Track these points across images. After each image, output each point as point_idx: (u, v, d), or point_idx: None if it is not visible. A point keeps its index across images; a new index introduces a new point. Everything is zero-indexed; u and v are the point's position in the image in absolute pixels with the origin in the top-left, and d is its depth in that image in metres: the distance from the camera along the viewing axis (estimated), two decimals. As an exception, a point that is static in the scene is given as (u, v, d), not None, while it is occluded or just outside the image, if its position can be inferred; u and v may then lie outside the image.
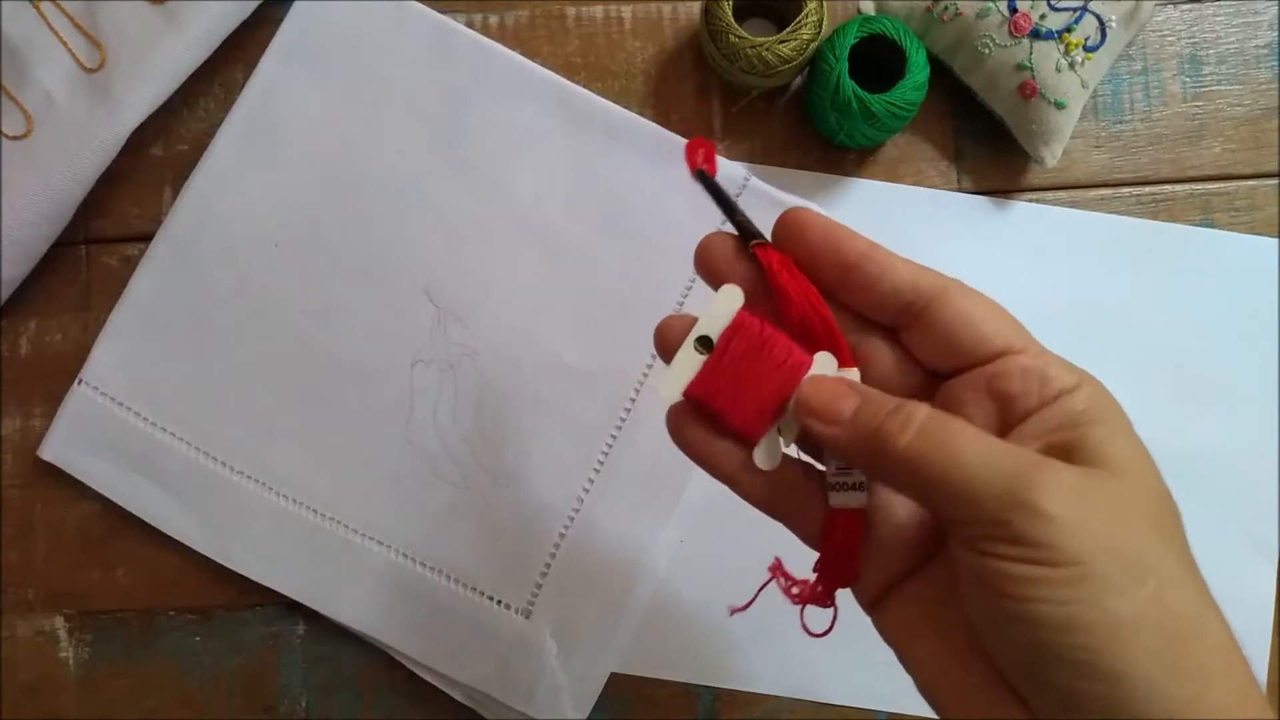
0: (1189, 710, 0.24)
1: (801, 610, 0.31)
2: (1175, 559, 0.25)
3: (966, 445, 0.25)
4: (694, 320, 0.30)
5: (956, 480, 0.25)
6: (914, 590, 0.29)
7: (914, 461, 0.25)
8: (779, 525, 0.31)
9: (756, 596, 0.33)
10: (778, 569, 0.31)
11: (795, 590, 0.31)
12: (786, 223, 0.29)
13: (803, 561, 0.31)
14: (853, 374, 0.29)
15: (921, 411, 0.26)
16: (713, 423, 0.30)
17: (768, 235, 0.30)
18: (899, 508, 0.30)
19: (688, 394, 0.30)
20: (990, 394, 0.27)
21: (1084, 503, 0.24)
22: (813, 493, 0.30)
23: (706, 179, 0.32)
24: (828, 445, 0.28)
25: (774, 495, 0.30)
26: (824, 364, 0.29)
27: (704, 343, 0.30)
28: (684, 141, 0.49)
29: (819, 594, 0.30)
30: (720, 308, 0.30)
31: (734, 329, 0.29)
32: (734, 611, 0.34)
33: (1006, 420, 0.27)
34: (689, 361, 0.30)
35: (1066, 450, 0.26)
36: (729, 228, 0.31)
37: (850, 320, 0.30)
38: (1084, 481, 0.24)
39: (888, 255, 0.29)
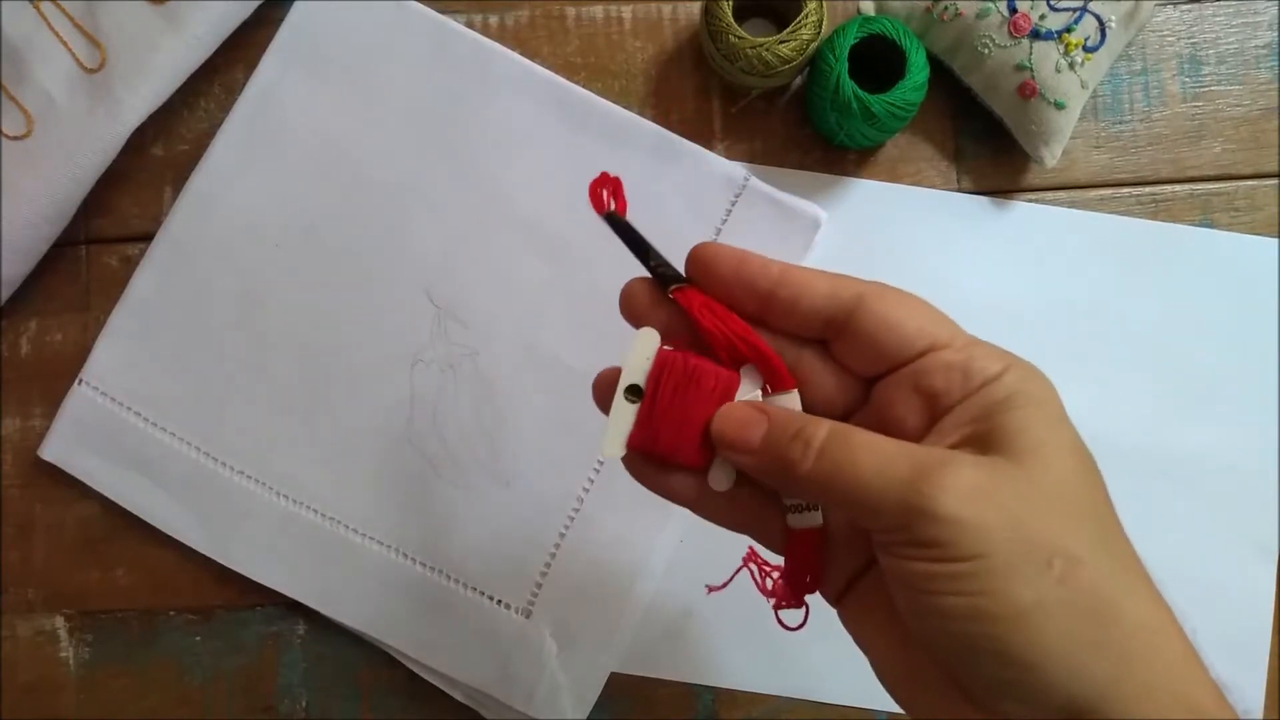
0: (1113, 689, 0.24)
1: (775, 606, 0.32)
2: (1091, 539, 0.25)
3: (862, 461, 0.26)
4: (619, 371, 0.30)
5: (857, 495, 0.26)
6: (868, 585, 0.30)
7: (819, 483, 0.27)
8: (744, 568, 0.32)
9: (733, 578, 0.34)
10: (751, 556, 0.32)
11: (769, 582, 0.32)
12: (695, 260, 0.30)
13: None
14: (792, 396, 0.29)
15: (821, 432, 0.27)
16: (662, 462, 0.30)
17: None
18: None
19: (630, 446, 0.30)
20: (916, 391, 0.28)
21: (982, 496, 0.25)
22: (772, 505, 0.31)
23: (617, 221, 0.31)
24: (745, 470, 0.29)
25: (735, 514, 0.31)
26: (750, 378, 0.29)
27: (634, 390, 0.30)
28: (683, 141, 0.50)
29: (789, 598, 0.31)
30: (640, 352, 0.30)
31: (658, 369, 0.30)
32: (711, 590, 0.35)
33: (934, 415, 0.28)
34: (624, 412, 0.30)
35: (982, 439, 0.26)
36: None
37: (783, 339, 0.30)
38: (985, 474, 0.25)
39: (802, 275, 0.29)
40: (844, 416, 0.29)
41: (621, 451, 0.30)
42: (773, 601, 0.32)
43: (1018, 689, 0.25)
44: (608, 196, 0.32)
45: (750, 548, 0.32)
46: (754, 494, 0.31)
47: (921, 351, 0.28)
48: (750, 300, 0.29)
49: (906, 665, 0.28)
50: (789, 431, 0.27)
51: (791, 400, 0.29)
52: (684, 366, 0.29)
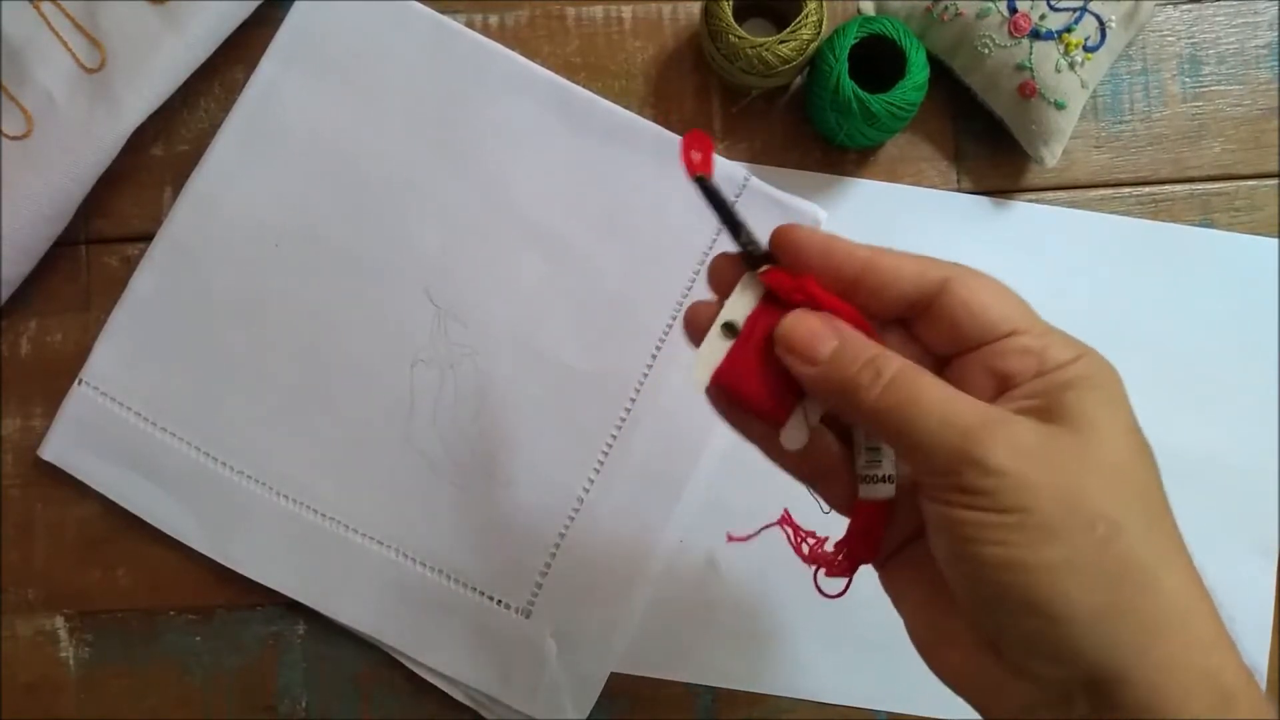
0: (1139, 658, 0.25)
1: (815, 572, 0.32)
2: (1136, 512, 0.26)
3: (929, 402, 0.26)
4: (720, 306, 0.30)
5: (918, 434, 0.26)
6: (912, 551, 0.30)
7: (880, 414, 0.27)
8: (775, 526, 0.32)
9: (760, 532, 0.34)
10: (787, 520, 0.32)
11: (805, 547, 0.32)
12: (782, 243, 0.30)
13: (810, 518, 0.31)
14: None
15: (893, 365, 0.27)
16: (742, 405, 0.30)
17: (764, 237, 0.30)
18: (907, 481, 0.31)
19: (714, 381, 0.30)
20: (991, 372, 0.28)
21: (1036, 455, 0.25)
22: (842, 461, 0.31)
23: (707, 186, 0.31)
24: (804, 382, 0.29)
25: (805, 464, 0.31)
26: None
27: (729, 329, 0.30)
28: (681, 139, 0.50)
29: (841, 566, 0.31)
30: (743, 295, 0.30)
31: (756, 315, 0.30)
32: (732, 539, 0.35)
33: (1003, 393, 0.28)
34: (716, 347, 0.30)
35: (1044, 411, 0.27)
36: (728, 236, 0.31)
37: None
38: (1042, 437, 0.26)
39: (889, 260, 0.29)
40: None
41: (706, 382, 0.30)
42: (814, 568, 0.32)
43: (1044, 644, 0.25)
44: (698, 158, 0.31)
45: (785, 510, 0.32)
46: (828, 448, 0.31)
47: (1002, 335, 0.28)
48: (836, 284, 0.29)
49: (940, 625, 0.29)
50: (860, 356, 0.28)
51: None
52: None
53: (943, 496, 0.26)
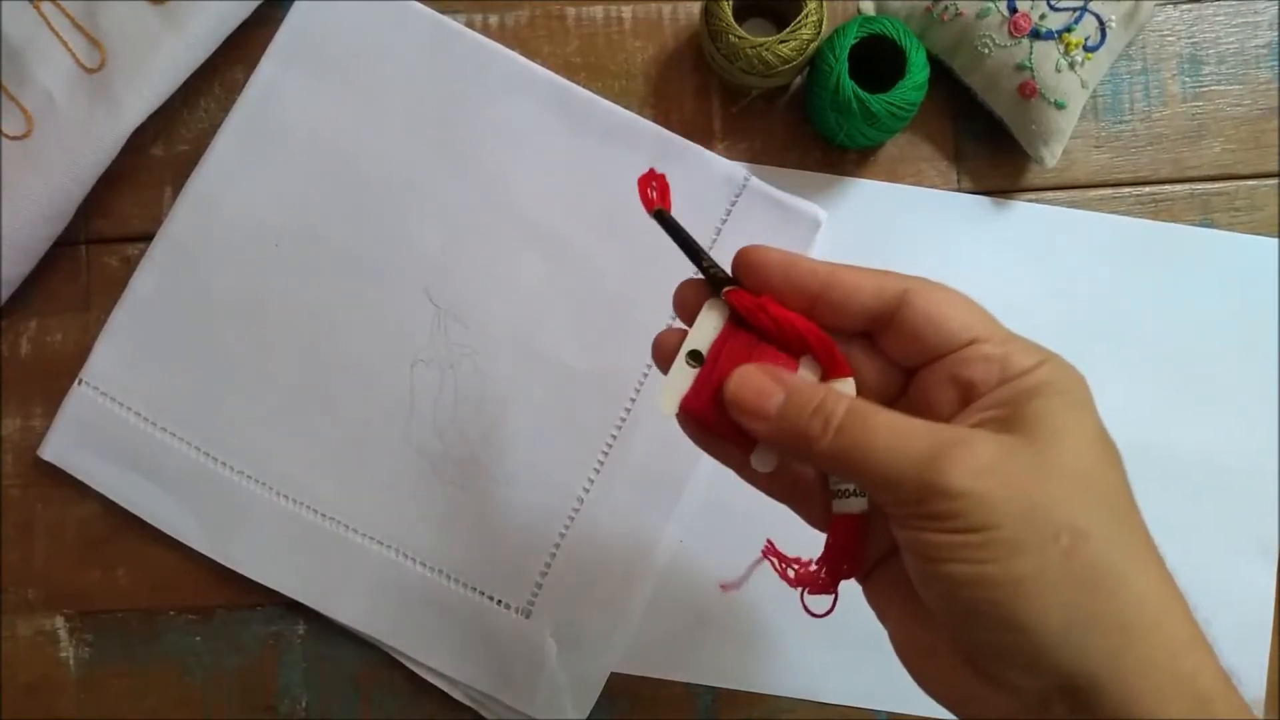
0: (1111, 663, 0.25)
1: (801, 593, 0.32)
2: (1102, 518, 0.26)
3: (882, 439, 0.27)
4: (685, 333, 0.31)
5: (875, 472, 0.27)
6: (893, 565, 0.30)
7: (837, 458, 0.28)
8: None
9: (748, 575, 0.34)
10: (770, 550, 0.32)
11: (791, 571, 0.32)
12: (743, 264, 0.31)
13: (796, 543, 0.32)
14: (848, 383, 0.30)
15: (840, 408, 0.28)
16: (711, 431, 0.31)
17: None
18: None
19: (682, 409, 0.30)
20: (954, 381, 0.29)
21: (994, 471, 0.25)
22: (815, 479, 0.31)
23: (666, 219, 0.31)
24: (758, 437, 0.30)
25: (779, 486, 0.32)
26: (809, 367, 0.30)
27: (695, 356, 0.31)
28: (683, 141, 0.50)
29: (823, 582, 0.31)
30: (708, 322, 0.31)
31: (721, 340, 0.30)
32: (725, 588, 0.35)
33: (967, 403, 0.28)
34: (681, 375, 0.31)
35: (1006, 421, 0.27)
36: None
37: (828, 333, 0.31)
38: (1002, 451, 0.26)
39: (849, 276, 0.30)
40: (886, 404, 0.30)
41: (674, 411, 0.31)
42: (800, 590, 0.32)
43: (1018, 655, 0.25)
44: (654, 194, 0.32)
45: (768, 540, 0.32)
46: (799, 469, 0.32)
47: (963, 344, 0.28)
48: (798, 301, 0.30)
49: (921, 639, 0.29)
50: (809, 405, 0.28)
51: (847, 387, 0.30)
52: (747, 342, 0.30)
53: (910, 524, 0.26)
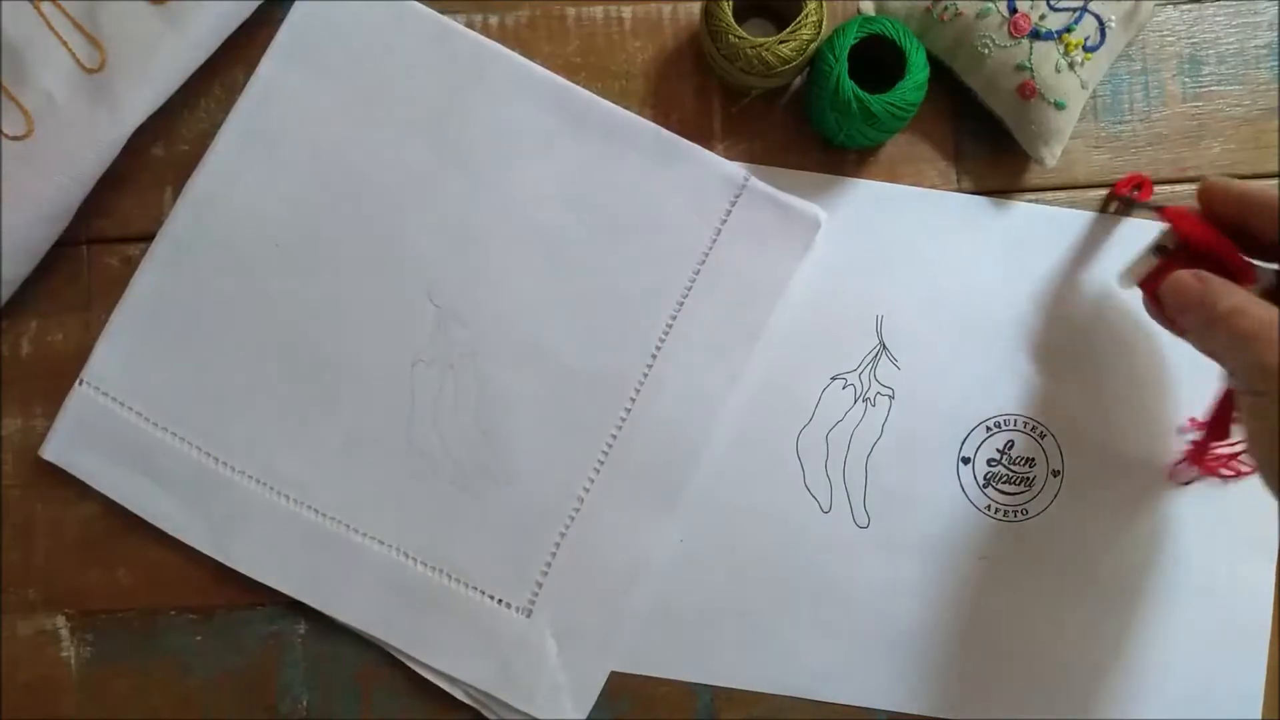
0: None
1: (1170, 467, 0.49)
2: None
3: (1249, 326, 0.37)
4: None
5: (1236, 357, 0.38)
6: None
7: (1216, 341, 0.39)
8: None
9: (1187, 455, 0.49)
10: (1194, 424, 0.49)
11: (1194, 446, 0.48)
12: (1206, 192, 0.43)
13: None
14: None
15: (1225, 302, 0.38)
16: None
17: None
18: None
19: (1142, 286, 0.45)
20: None
21: None
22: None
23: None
24: (1184, 328, 0.41)
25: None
26: (1265, 276, 0.41)
27: (1159, 250, 0.44)
28: (683, 141, 0.50)
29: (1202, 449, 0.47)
30: (1173, 227, 0.43)
31: (1190, 237, 0.42)
32: (1172, 470, 0.49)
33: None
34: (1145, 260, 0.45)
35: None
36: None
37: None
38: None
39: (1268, 194, 0.40)
40: None
41: (1133, 286, 0.45)
42: (1189, 460, 0.48)
43: None
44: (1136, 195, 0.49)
45: (1191, 419, 0.49)
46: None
47: None
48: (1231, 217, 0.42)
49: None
50: (1222, 301, 0.38)
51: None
52: (1211, 241, 0.41)
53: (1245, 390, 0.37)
